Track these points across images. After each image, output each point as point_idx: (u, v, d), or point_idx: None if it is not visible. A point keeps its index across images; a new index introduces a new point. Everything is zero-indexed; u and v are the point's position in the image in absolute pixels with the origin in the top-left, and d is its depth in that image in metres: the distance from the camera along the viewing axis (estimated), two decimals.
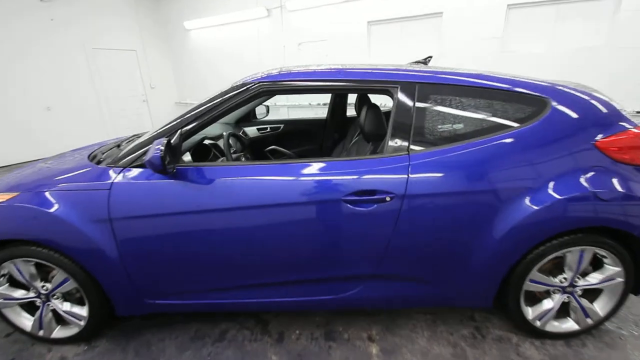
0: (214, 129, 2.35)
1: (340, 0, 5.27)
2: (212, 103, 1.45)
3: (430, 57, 1.99)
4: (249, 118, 2.91)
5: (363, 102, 2.24)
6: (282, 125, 2.90)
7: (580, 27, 3.96)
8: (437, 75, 1.43)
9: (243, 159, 1.86)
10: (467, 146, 1.34)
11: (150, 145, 1.30)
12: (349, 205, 1.33)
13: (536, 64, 4.15)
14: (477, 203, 1.34)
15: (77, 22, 6.16)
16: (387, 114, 1.68)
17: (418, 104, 1.38)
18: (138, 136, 1.83)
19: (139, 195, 1.39)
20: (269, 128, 2.89)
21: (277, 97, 5.98)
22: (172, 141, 1.34)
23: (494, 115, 1.38)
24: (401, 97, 1.40)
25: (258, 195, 1.36)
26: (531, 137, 1.34)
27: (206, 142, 1.96)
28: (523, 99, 1.38)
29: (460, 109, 1.39)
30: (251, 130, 2.83)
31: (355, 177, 1.35)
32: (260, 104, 2.90)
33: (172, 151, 1.34)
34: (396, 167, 1.34)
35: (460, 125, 1.38)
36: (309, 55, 5.92)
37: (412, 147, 1.36)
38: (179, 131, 1.40)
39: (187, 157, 1.73)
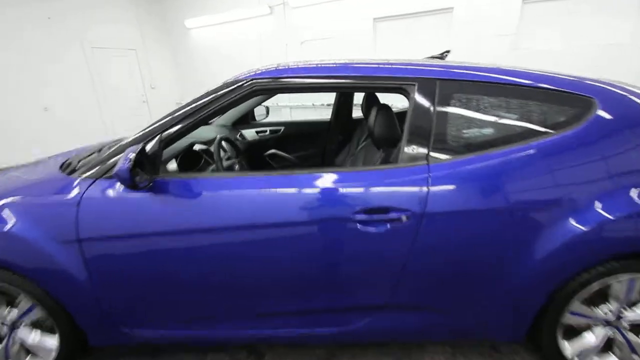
0: (207, 132, 2.15)
1: None
2: (198, 103, 1.25)
3: (448, 51, 1.78)
4: (247, 120, 2.71)
5: (371, 102, 2.04)
6: (282, 128, 2.70)
7: (601, 23, 3.70)
8: (461, 71, 1.21)
9: (237, 166, 1.66)
10: (497, 155, 1.13)
11: (122, 154, 1.10)
12: (357, 224, 1.13)
13: (553, 62, 3.90)
14: (510, 222, 1.13)
15: (75, 21, 6.00)
16: (399, 115, 1.47)
17: (439, 105, 1.17)
18: (121, 140, 1.64)
19: (112, 211, 1.19)
20: (268, 131, 2.69)
21: (279, 96, 5.82)
22: (148, 149, 1.15)
23: (529, 118, 1.16)
24: (419, 96, 1.19)
25: (251, 213, 1.15)
26: (575, 144, 1.12)
27: (196, 147, 1.76)
28: (565, 100, 1.16)
29: (489, 111, 1.17)
30: (249, 133, 2.63)
31: (365, 191, 1.14)
32: (260, 103, 2.70)
33: (150, 160, 1.15)
34: (413, 180, 1.13)
35: (490, 130, 1.17)
36: (312, 54, 5.71)
37: (432, 155, 1.15)
38: (158, 137, 1.20)
39: (172, 164, 1.53)
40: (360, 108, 2.23)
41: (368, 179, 1.15)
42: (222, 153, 2.01)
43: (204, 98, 1.25)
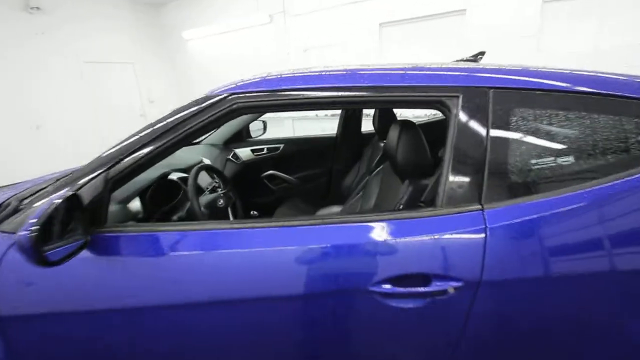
0: (191, 154, 1.82)
1: (349, 1, 4.79)
2: (158, 127, 0.92)
3: (483, 52, 1.45)
4: (241, 137, 2.38)
5: (385, 116, 1.71)
6: (281, 145, 2.37)
7: (637, 20, 3.32)
8: (522, 78, 0.86)
9: (221, 201, 1.33)
10: (585, 195, 0.77)
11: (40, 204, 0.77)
12: (382, 299, 0.78)
13: (581, 64, 3.54)
14: (603, 296, 0.78)
15: (69, 34, 5.79)
16: (422, 127, 1.14)
17: (495, 124, 0.82)
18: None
19: (40, 280, 0.86)
20: (265, 149, 2.36)
21: None
22: (85, 195, 0.83)
23: (625, 142, 0.81)
24: (465, 113, 0.84)
25: (229, 284, 0.81)
26: None
27: (173, 176, 1.43)
28: None
29: (567, 133, 0.83)
30: (244, 152, 2.30)
31: (391, 250, 0.79)
32: (255, 118, 2.38)
33: (90, 209, 0.83)
34: (463, 232, 0.78)
35: (569, 159, 0.82)
36: (316, 62, 5.43)
37: (487, 196, 0.80)
38: (103, 175, 0.87)
39: (136, 202, 1.19)
40: (372, 121, 1.90)
41: (395, 232, 0.80)
42: (208, 179, 1.69)
43: (167, 119, 0.93)
